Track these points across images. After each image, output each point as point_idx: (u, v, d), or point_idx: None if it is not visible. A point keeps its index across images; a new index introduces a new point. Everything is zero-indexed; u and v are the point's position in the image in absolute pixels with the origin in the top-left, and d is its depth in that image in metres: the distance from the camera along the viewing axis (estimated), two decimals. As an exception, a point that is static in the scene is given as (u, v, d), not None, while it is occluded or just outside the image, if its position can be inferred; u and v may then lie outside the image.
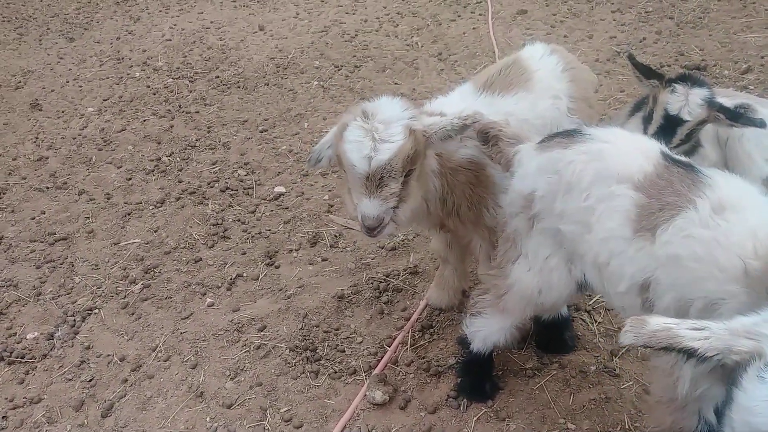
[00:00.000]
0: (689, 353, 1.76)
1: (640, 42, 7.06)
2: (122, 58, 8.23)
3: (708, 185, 2.27)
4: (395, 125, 2.81)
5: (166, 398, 3.52)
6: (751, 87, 5.78)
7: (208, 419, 3.36)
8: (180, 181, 5.49)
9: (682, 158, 2.45)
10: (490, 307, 3.05)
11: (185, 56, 8.16)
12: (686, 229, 2.22)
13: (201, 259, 4.54)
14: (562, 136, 2.69)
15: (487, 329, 3.10)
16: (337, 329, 3.83)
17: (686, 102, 3.82)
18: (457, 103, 3.26)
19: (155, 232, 4.89)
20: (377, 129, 2.78)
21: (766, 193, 2.47)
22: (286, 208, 5.03)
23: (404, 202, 2.94)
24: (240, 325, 3.91)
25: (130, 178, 5.61)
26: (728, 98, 4.43)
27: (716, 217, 2.18)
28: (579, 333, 3.60)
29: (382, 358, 3.59)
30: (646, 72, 4.02)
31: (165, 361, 3.76)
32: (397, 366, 3.55)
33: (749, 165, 4.45)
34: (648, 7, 7.80)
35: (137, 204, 5.25)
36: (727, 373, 1.80)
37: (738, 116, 3.90)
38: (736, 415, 1.69)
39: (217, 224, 4.88)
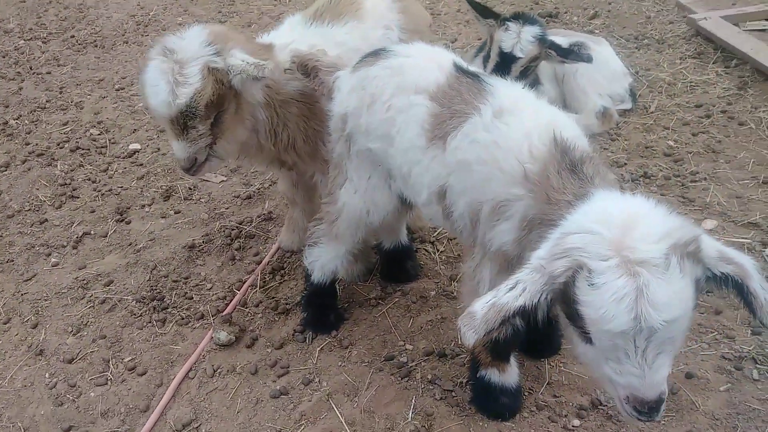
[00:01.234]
0: (523, 312, 1.81)
1: (500, -8, 7.26)
2: (-33, 21, 7.65)
3: (490, 92, 2.40)
4: (192, 65, 2.72)
5: (4, 359, 3.38)
6: (597, 31, 6.09)
7: (47, 375, 3.25)
8: (27, 144, 5.20)
9: (472, 68, 2.57)
10: (325, 236, 3.11)
11: (39, 17, 7.70)
12: (471, 134, 2.34)
13: (47, 220, 4.34)
14: (370, 55, 2.76)
15: (324, 258, 3.16)
16: (187, 278, 3.78)
17: (518, 39, 3.97)
18: (287, 34, 3.25)
19: (-3, 196, 4.62)
20: (176, 70, 2.69)
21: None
22: (141, 165, 4.88)
23: (220, 139, 2.92)
24: (85, 282, 3.79)
25: (-28, 144, 5.26)
26: (565, 37, 4.68)
27: (496, 121, 2.30)
28: (422, 263, 3.73)
29: (231, 301, 3.58)
30: (483, 11, 4.16)
31: (4, 324, 3.59)
32: (246, 308, 3.56)
33: (584, 100, 4.74)
34: (508, -42, 8.01)
35: (-22, 169, 4.93)
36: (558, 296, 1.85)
37: (568, 52, 4.10)
38: (593, 329, 1.77)
39: (66, 184, 4.67)
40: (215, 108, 2.82)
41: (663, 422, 2.74)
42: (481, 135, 2.31)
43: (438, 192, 2.48)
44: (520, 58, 3.98)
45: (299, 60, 2.94)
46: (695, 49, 5.59)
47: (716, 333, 3.11)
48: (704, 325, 3.15)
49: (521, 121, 2.27)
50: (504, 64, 4.00)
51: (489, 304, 1.82)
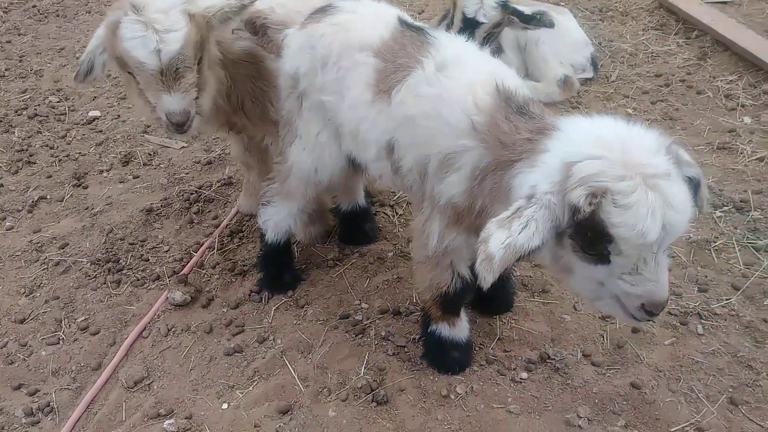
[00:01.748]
0: (536, 251, 1.85)
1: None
2: (-75, -10, 7.43)
3: (434, 45, 2.40)
4: (174, 12, 2.69)
5: (-46, 321, 3.34)
6: (562, 3, 6.10)
7: (-3, 335, 3.23)
8: (-16, 111, 5.10)
9: (416, 23, 2.58)
10: (278, 195, 3.11)
11: (0, -13, 7.50)
12: (415, 88, 2.35)
13: (2, 186, 4.28)
14: (317, 12, 2.74)
15: (277, 217, 3.16)
16: (144, 240, 3.75)
17: (482, 5, 3.98)
18: None
19: (-48, 162, 4.54)
20: (156, 20, 2.65)
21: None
22: (100, 131, 4.82)
23: (203, 91, 2.86)
24: (39, 245, 3.75)
25: (-73, 111, 5.14)
26: (528, 6, 4.68)
27: (439, 74, 2.31)
28: (381, 225, 3.74)
29: (188, 263, 3.57)
30: None
31: (-44, 286, 3.55)
32: (203, 269, 3.55)
33: (545, 68, 4.77)
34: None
35: (-67, 136, 4.83)
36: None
37: (530, 18, 4.12)
38: (626, 247, 1.81)
39: (23, 150, 4.60)
40: (197, 56, 2.77)
41: (608, 374, 2.80)
42: (425, 89, 2.32)
43: (386, 147, 2.48)
44: (483, 23, 3.98)
45: (247, 17, 2.92)
46: (658, 21, 5.64)
47: (664, 290, 3.16)
48: (653, 283, 3.20)
49: (464, 74, 2.28)
50: (467, 30, 4.00)
51: (505, 246, 1.83)
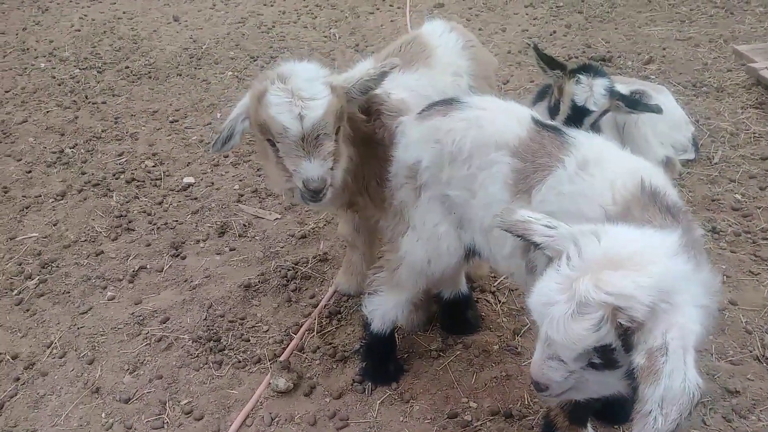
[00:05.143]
0: (536, 245, 2.03)
1: (551, 35, 7.24)
2: (27, 49, 7.83)
3: (573, 145, 2.37)
4: (317, 82, 2.76)
5: (59, 396, 3.35)
6: (653, 77, 6.01)
7: (103, 415, 3.21)
8: (83, 173, 5.25)
9: (550, 122, 2.55)
10: (385, 284, 3.05)
11: (94, 47, 7.84)
12: (557, 186, 2.33)
13: (103, 252, 4.35)
14: (440, 104, 2.73)
15: (384, 307, 3.09)
16: (243, 318, 3.74)
17: (591, 93, 3.92)
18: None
19: (54, 225, 4.65)
20: (301, 88, 2.71)
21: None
22: (195, 199, 4.89)
23: (338, 162, 2.87)
24: (141, 318, 3.77)
25: (30, 171, 5.32)
26: (624, 85, 4.61)
27: (581, 172, 2.29)
28: (483, 313, 3.64)
29: (288, 345, 3.52)
30: (550, 62, 4.11)
31: (60, 357, 3.57)
32: (303, 353, 3.50)
33: (646, 148, 4.64)
34: (559, 2, 8.03)
35: (36, 197, 4.98)
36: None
37: (636, 103, 4.06)
38: (534, 297, 1.93)
39: (122, 216, 4.69)
40: (336, 126, 2.81)
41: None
42: (567, 187, 2.30)
43: (522, 246, 2.42)
44: (593, 111, 3.92)
45: (365, 100, 2.93)
46: (756, 99, 5.47)
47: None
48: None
49: (604, 171, 2.26)
50: (576, 117, 3.94)
51: (527, 219, 2.06)
